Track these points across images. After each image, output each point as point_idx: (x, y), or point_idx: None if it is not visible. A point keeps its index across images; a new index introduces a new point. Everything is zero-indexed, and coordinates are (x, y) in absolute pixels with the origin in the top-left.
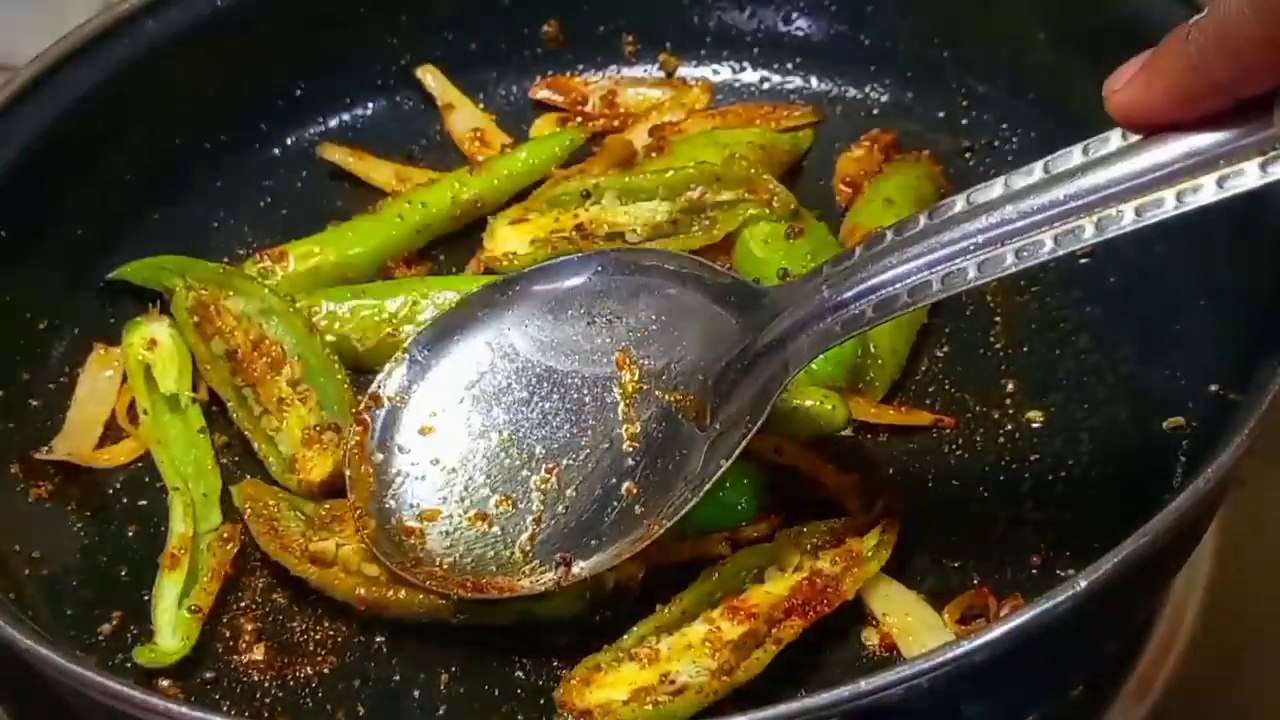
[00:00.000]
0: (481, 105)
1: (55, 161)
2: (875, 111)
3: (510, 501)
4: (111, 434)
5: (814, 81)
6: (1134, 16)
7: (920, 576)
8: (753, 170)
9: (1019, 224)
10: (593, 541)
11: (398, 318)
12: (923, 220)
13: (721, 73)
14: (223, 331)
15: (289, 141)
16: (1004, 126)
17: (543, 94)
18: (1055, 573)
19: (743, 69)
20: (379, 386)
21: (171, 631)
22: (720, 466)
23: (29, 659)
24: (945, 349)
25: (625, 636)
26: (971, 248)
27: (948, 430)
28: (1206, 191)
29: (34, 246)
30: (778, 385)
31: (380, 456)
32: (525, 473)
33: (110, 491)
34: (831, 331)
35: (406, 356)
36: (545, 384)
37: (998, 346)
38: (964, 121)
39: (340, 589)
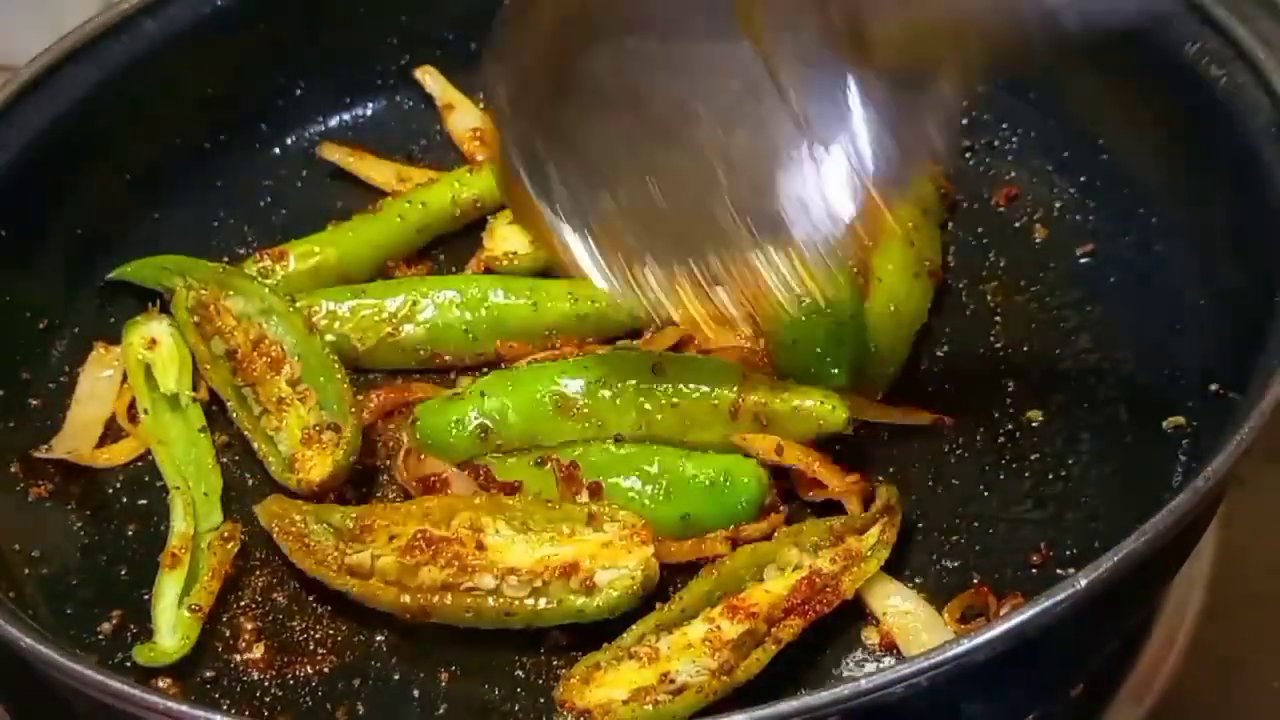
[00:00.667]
0: (481, 105)
1: (55, 161)
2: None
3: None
4: (111, 434)
5: None
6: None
7: (920, 576)
8: None
9: None
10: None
11: (397, 317)
12: None
13: None
14: (223, 331)
15: (289, 141)
16: (1004, 126)
17: None
18: (1055, 572)
19: None
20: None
21: (171, 631)
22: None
23: (29, 658)
24: (945, 349)
25: (625, 635)
26: None
27: (947, 430)
28: None
29: (34, 246)
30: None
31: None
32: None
33: (110, 491)
34: None
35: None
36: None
37: (998, 346)
38: (964, 121)
39: (384, 599)
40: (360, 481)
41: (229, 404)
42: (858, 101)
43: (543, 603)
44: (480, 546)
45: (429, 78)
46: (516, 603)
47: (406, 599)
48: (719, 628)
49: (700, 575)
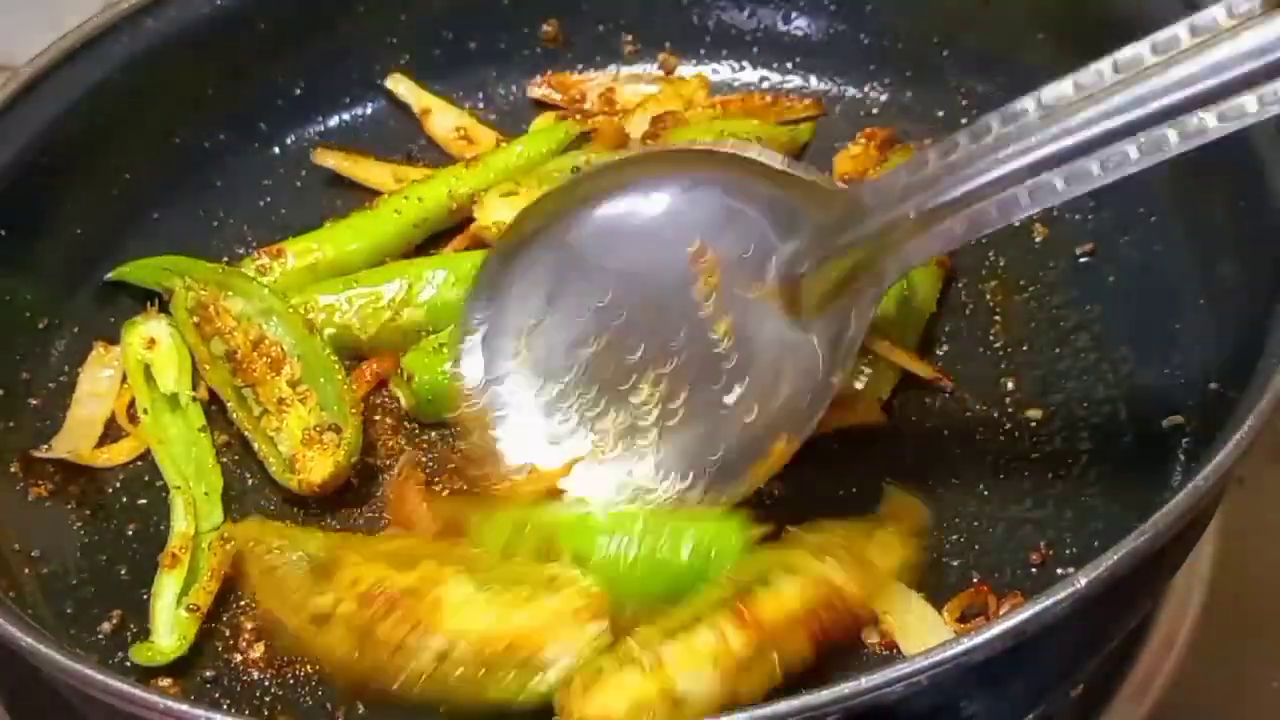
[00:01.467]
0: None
1: (55, 161)
2: (874, 111)
3: (626, 413)
4: (111, 433)
5: (813, 81)
6: (1133, 15)
7: (920, 575)
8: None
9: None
10: (715, 458)
11: (396, 302)
12: (1032, 108)
13: (721, 72)
14: (222, 332)
15: (289, 141)
16: None
17: (541, 92)
18: (1055, 572)
19: (742, 68)
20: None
21: (169, 630)
22: (837, 378)
23: (29, 657)
24: (945, 349)
25: (630, 639)
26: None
27: (948, 433)
28: None
29: (34, 246)
30: (878, 287)
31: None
32: (629, 384)
33: (110, 490)
34: (951, 233)
35: (477, 292)
36: (622, 289)
37: (997, 346)
38: (964, 121)
39: (335, 656)
40: (362, 481)
41: (229, 404)
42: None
43: (487, 676)
44: (437, 602)
45: (400, 86)
46: (461, 671)
47: (358, 655)
48: (726, 639)
49: (712, 580)
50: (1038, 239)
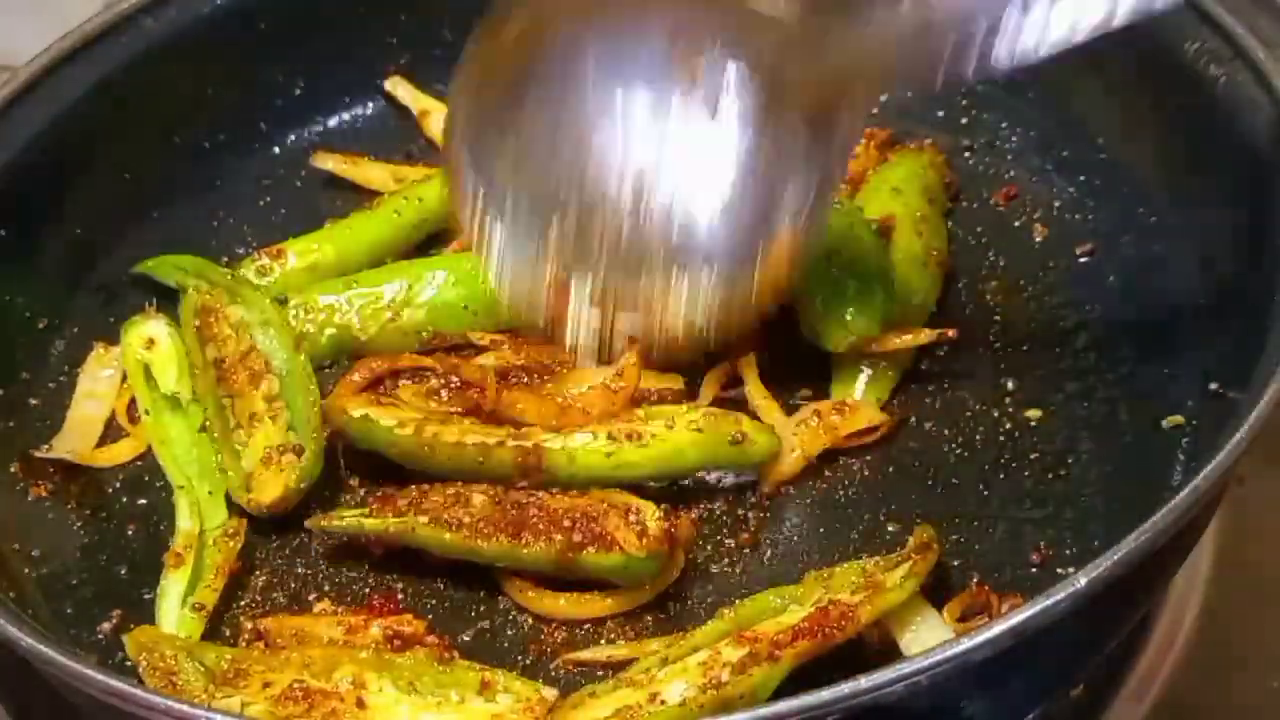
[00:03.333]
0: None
1: (55, 161)
2: (875, 110)
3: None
4: (111, 433)
5: None
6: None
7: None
8: None
9: None
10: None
11: (396, 302)
12: None
13: None
14: (218, 339)
15: (289, 141)
16: (1004, 125)
17: None
18: (1055, 572)
19: None
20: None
21: (174, 630)
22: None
23: (29, 657)
24: (945, 348)
25: (629, 668)
26: None
27: (948, 433)
28: None
29: (34, 246)
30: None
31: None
32: (617, 190)
33: (110, 491)
34: (938, 53)
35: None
36: (601, 90)
37: (998, 346)
38: (964, 120)
39: None
40: (324, 501)
41: (205, 412)
42: (777, 146)
43: None
44: (361, 704)
45: (399, 88)
46: None
47: None
48: (719, 653)
49: (718, 616)
50: (1038, 239)
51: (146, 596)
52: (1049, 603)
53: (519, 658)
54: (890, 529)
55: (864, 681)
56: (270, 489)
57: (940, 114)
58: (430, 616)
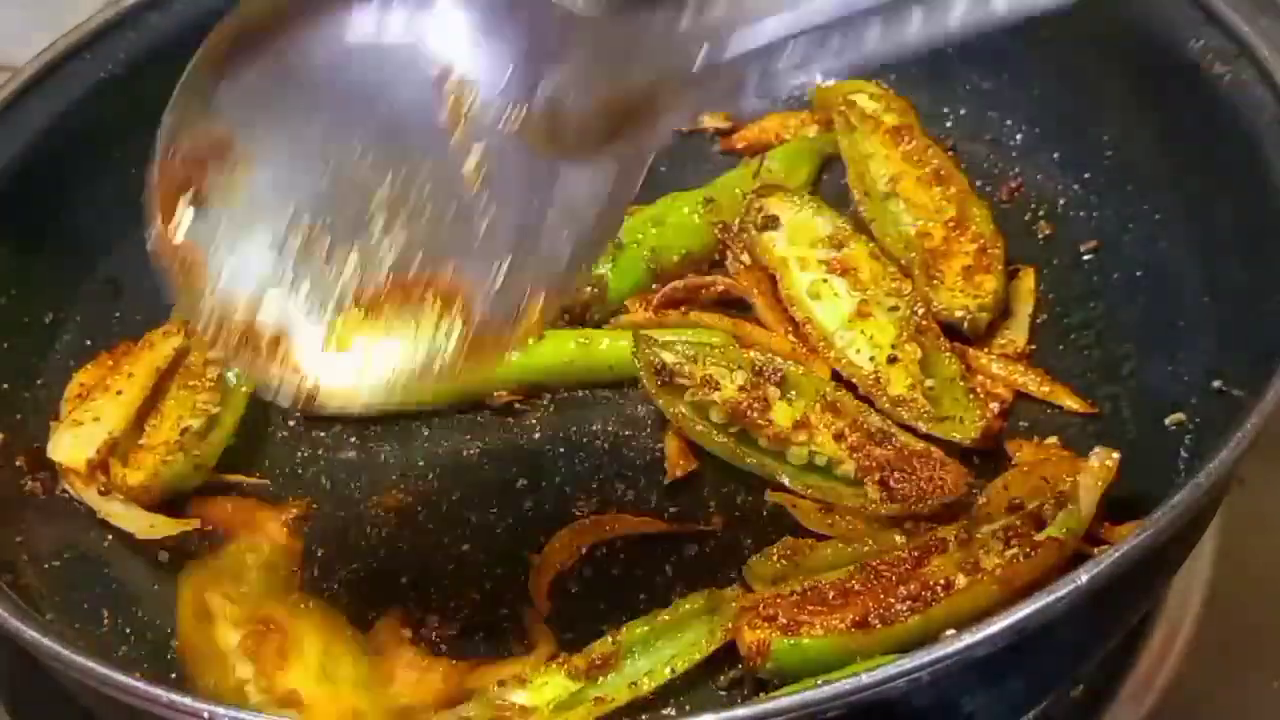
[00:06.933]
0: None
1: (58, 158)
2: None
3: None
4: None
5: (818, 78)
6: (1138, 13)
7: None
8: None
9: None
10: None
11: None
12: None
13: None
14: None
15: None
16: (1008, 122)
17: None
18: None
19: None
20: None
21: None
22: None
23: (33, 651)
24: None
25: None
26: None
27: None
28: None
29: (38, 243)
30: (653, 136)
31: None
32: (365, 217)
33: None
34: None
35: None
36: (353, 114)
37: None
38: (969, 117)
39: None
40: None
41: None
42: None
43: None
44: None
45: None
46: None
47: None
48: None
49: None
50: (1041, 236)
51: (145, 595)
52: (1049, 600)
53: None
54: None
55: (866, 677)
56: (141, 471)
57: (945, 111)
58: None
